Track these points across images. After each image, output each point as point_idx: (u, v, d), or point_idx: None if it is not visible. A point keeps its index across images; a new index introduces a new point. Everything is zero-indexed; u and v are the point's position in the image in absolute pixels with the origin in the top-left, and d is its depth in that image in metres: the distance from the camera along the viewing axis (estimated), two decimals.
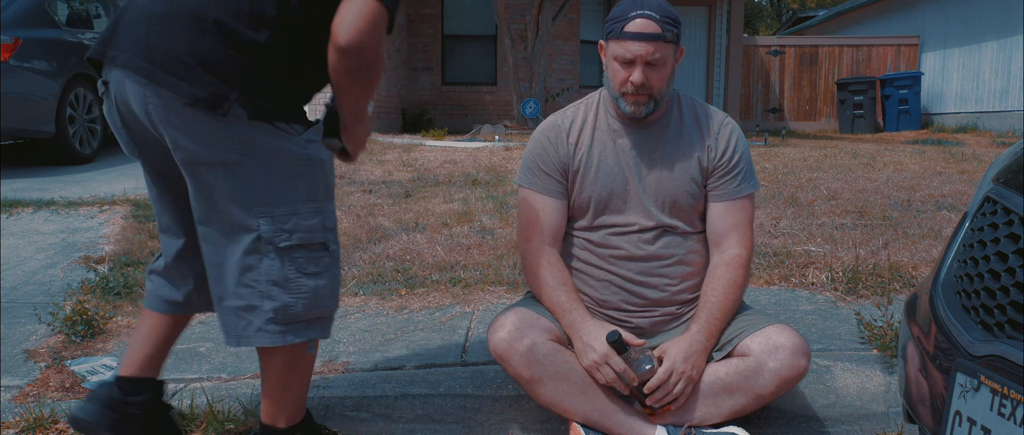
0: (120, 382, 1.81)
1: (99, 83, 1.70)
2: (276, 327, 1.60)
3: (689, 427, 1.85)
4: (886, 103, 12.47)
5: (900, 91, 12.25)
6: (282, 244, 1.58)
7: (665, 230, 1.98)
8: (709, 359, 1.90)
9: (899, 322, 1.94)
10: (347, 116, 1.68)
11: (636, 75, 1.85)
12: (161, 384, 1.89)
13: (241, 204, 1.56)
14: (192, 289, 1.85)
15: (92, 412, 1.77)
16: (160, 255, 1.88)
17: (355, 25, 1.47)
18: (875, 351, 2.37)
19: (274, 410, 1.71)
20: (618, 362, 1.80)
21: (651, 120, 2.00)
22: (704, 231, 2.02)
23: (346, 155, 1.79)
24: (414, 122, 11.76)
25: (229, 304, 1.62)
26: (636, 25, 1.83)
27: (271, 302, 1.59)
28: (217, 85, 1.51)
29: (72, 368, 2.34)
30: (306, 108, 1.71)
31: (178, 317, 1.89)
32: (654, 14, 1.83)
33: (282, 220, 1.58)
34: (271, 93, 1.57)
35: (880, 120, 12.74)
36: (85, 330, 2.59)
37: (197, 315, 2.08)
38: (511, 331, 1.84)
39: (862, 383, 2.22)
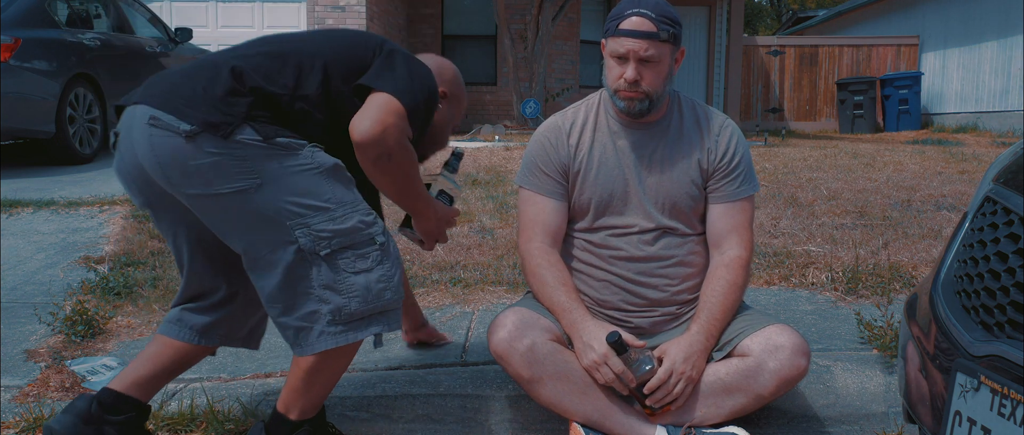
0: (103, 396, 1.78)
1: (111, 134, 1.76)
2: (336, 329, 1.63)
3: (689, 427, 1.85)
4: (886, 103, 12.47)
5: (900, 91, 12.25)
6: (323, 252, 1.61)
7: (665, 231, 1.98)
8: (709, 359, 1.90)
9: (899, 322, 1.94)
10: (403, 207, 1.85)
11: (629, 72, 1.85)
12: (146, 409, 1.85)
13: (271, 224, 1.60)
14: (210, 322, 1.87)
15: (66, 424, 1.73)
16: (186, 298, 1.91)
17: (369, 118, 1.62)
18: (875, 351, 2.37)
19: (290, 401, 1.72)
20: (617, 363, 1.80)
21: (651, 121, 2.00)
22: (704, 233, 2.02)
23: (422, 244, 2.00)
24: None
25: (288, 320, 1.65)
26: (631, 22, 1.84)
27: (327, 306, 1.62)
28: (222, 112, 1.59)
29: (72, 368, 2.34)
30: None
31: (188, 347, 1.87)
32: (650, 12, 1.84)
33: (318, 229, 1.60)
34: (275, 123, 1.65)
35: (880, 120, 12.74)
36: (85, 330, 2.59)
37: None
38: (511, 331, 1.84)
39: (862, 383, 2.22)
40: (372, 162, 1.65)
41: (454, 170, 2.08)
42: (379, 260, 1.66)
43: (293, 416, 1.72)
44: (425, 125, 1.83)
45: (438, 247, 3.64)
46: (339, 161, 1.68)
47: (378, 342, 1.71)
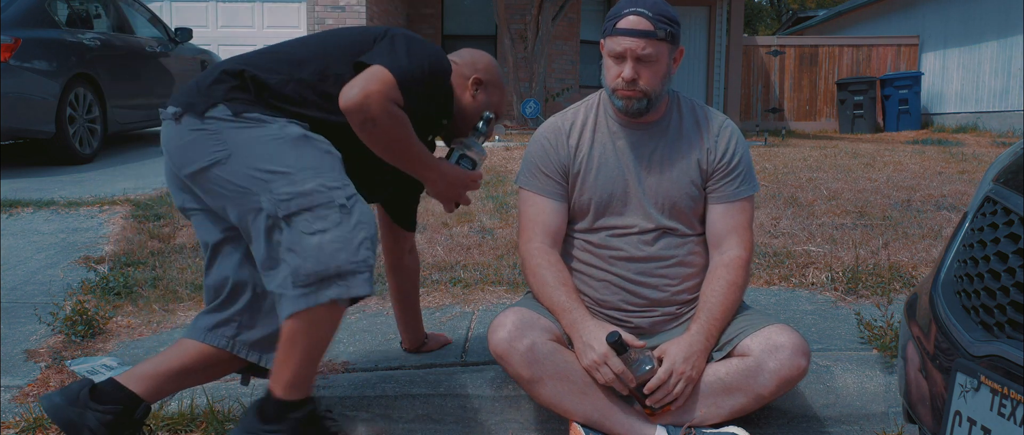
0: (102, 384, 1.79)
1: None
2: (296, 292, 1.62)
3: (689, 427, 1.85)
4: (886, 103, 12.46)
5: (900, 91, 12.25)
6: (282, 213, 1.64)
7: (665, 232, 1.98)
8: (709, 359, 1.90)
9: (899, 322, 1.94)
10: (407, 172, 1.92)
11: (627, 71, 1.86)
12: (138, 404, 1.80)
13: (244, 192, 1.68)
14: (217, 321, 1.86)
15: (53, 401, 1.76)
16: (206, 301, 1.93)
17: (354, 86, 1.71)
18: (875, 351, 2.37)
19: (275, 376, 1.70)
20: (617, 363, 1.80)
21: (650, 121, 2.00)
22: (704, 233, 2.03)
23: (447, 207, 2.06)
24: None
25: (274, 287, 1.67)
26: (628, 21, 1.85)
27: (286, 267, 1.63)
28: (202, 95, 1.75)
29: (72, 368, 2.34)
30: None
31: (196, 349, 1.85)
32: (647, 12, 1.84)
33: (278, 192, 1.65)
34: (258, 103, 1.75)
35: (880, 120, 12.73)
36: (85, 330, 2.59)
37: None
38: (511, 331, 1.84)
39: (862, 383, 2.22)
40: (358, 127, 1.74)
41: (482, 134, 2.06)
42: (337, 222, 1.65)
43: (277, 393, 1.68)
44: (430, 99, 1.90)
45: (438, 247, 3.64)
46: (307, 132, 1.75)
47: (336, 312, 1.67)
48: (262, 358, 1.88)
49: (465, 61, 2.08)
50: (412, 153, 1.87)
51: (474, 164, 2.05)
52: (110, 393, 1.79)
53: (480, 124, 2.06)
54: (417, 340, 2.43)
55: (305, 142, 1.74)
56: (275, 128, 1.72)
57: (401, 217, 2.25)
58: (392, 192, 2.16)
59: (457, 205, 2.06)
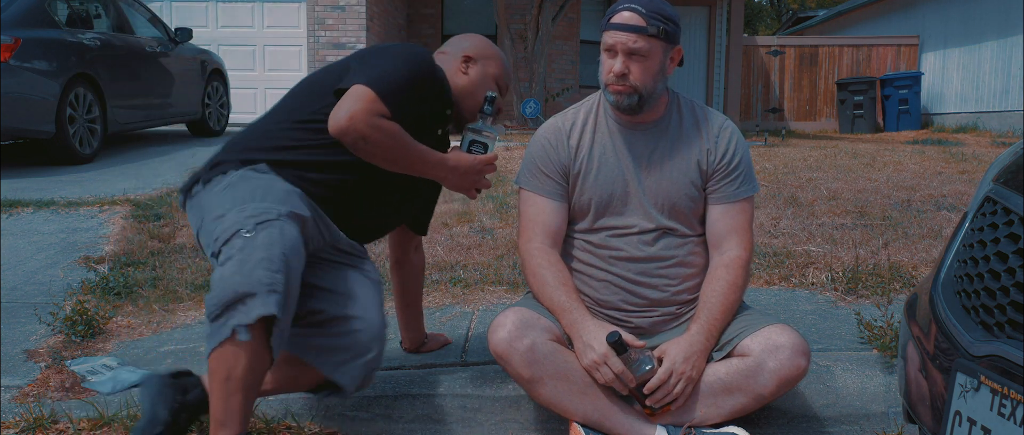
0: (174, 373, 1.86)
1: None
2: (209, 329, 1.60)
3: (689, 427, 1.85)
4: (886, 103, 12.46)
5: (900, 91, 12.25)
6: (212, 253, 1.68)
7: (665, 232, 1.98)
8: (709, 359, 1.90)
9: (899, 322, 1.94)
10: (418, 176, 1.96)
11: (617, 65, 1.87)
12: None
13: (207, 246, 1.76)
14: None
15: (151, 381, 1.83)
16: None
17: (336, 111, 1.77)
18: (875, 351, 2.37)
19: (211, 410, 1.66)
20: (617, 363, 1.80)
21: (649, 121, 2.00)
22: (704, 234, 2.02)
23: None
24: None
25: None
26: (621, 17, 1.87)
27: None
28: (191, 179, 1.91)
29: (72, 368, 2.34)
30: None
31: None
32: (640, 8, 1.86)
33: (212, 236, 1.69)
34: (239, 162, 1.85)
35: (880, 120, 12.73)
36: (85, 330, 2.59)
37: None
38: (511, 331, 1.84)
39: (862, 383, 2.22)
40: (353, 148, 1.80)
41: (489, 115, 2.06)
42: (240, 248, 1.60)
43: (210, 431, 1.65)
44: (421, 100, 1.93)
45: (438, 247, 3.64)
46: (256, 170, 1.82)
47: (240, 344, 1.58)
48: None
49: (453, 48, 2.11)
50: (414, 158, 1.88)
51: (486, 147, 2.04)
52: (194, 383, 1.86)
53: (485, 106, 2.05)
54: (417, 340, 2.43)
55: (244, 180, 1.77)
56: (230, 177, 1.80)
57: (416, 224, 2.29)
58: (419, 203, 2.17)
59: (479, 191, 2.07)
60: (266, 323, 1.58)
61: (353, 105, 1.77)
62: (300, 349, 1.85)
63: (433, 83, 1.97)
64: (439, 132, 2.09)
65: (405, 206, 2.10)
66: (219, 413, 1.62)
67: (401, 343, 2.46)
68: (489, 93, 2.05)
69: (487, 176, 2.05)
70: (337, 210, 1.92)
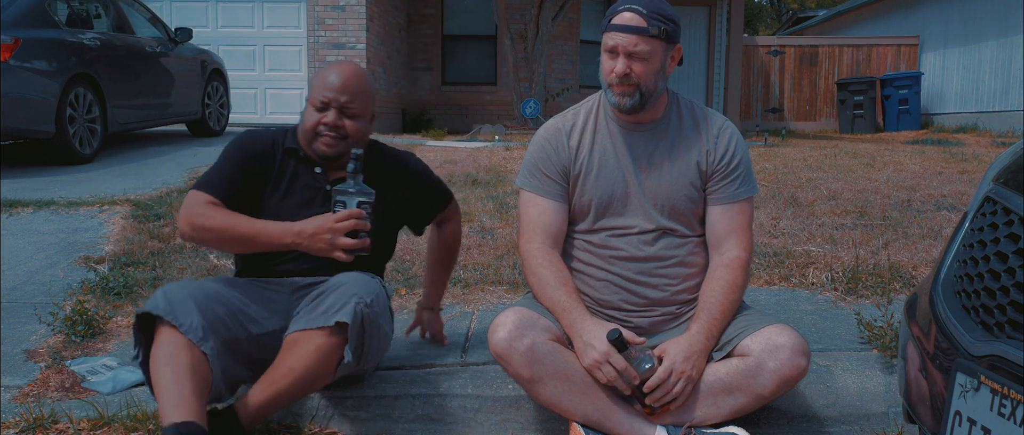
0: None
1: None
2: None
3: (689, 427, 1.85)
4: (886, 103, 12.46)
5: (900, 91, 12.25)
6: None
7: (665, 232, 1.98)
8: (709, 359, 1.90)
9: (899, 322, 1.94)
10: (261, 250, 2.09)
11: (619, 66, 1.87)
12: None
13: None
14: None
15: None
16: None
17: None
18: (875, 351, 2.37)
19: None
20: (619, 360, 1.80)
21: (649, 121, 2.00)
22: (704, 234, 2.03)
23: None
24: (414, 122, 11.76)
25: None
26: (622, 18, 1.88)
27: None
28: None
29: (72, 368, 2.34)
30: None
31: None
32: (642, 8, 1.87)
33: None
34: None
35: (880, 120, 12.73)
36: (85, 330, 2.59)
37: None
38: (511, 331, 1.84)
39: (862, 383, 2.22)
40: (198, 245, 2.04)
41: (352, 173, 1.99)
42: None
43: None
44: (252, 172, 2.08)
45: None
46: (223, 277, 2.08)
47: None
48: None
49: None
50: (251, 234, 1.99)
51: (345, 205, 1.98)
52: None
53: (349, 165, 2.00)
54: (432, 301, 2.51)
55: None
56: None
57: (413, 229, 2.40)
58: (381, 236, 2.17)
59: (351, 251, 1.97)
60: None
61: (181, 212, 2.01)
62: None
63: (246, 144, 2.10)
64: (328, 187, 2.09)
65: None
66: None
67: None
68: (354, 150, 2.00)
69: (353, 237, 1.96)
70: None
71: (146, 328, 1.86)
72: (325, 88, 2.06)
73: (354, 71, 2.11)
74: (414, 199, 2.28)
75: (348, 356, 1.85)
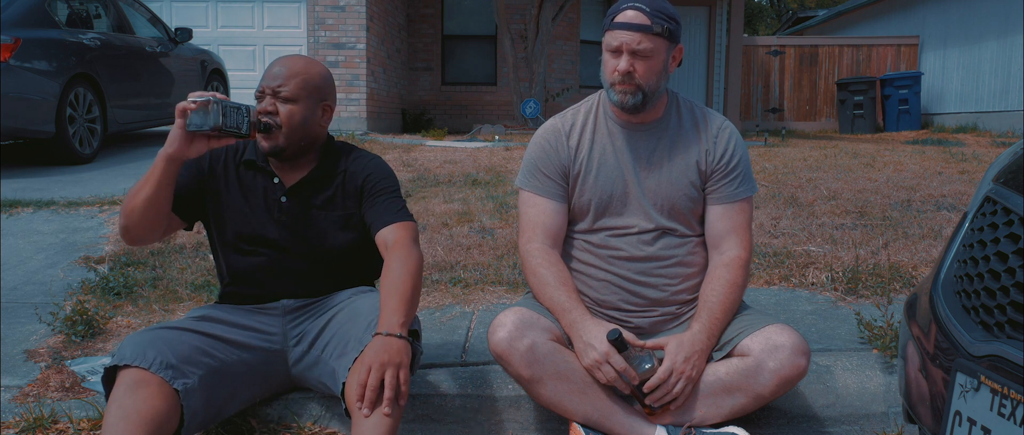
0: None
1: None
2: None
3: (689, 427, 1.85)
4: (886, 103, 12.46)
5: (900, 91, 12.24)
6: None
7: (664, 232, 1.99)
8: (709, 359, 1.90)
9: (899, 322, 1.94)
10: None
11: (622, 64, 1.87)
12: None
13: None
14: None
15: None
16: None
17: None
18: (875, 351, 2.37)
19: None
20: (619, 360, 1.80)
21: (649, 121, 2.00)
22: (703, 234, 2.03)
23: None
24: (414, 122, 11.77)
25: None
26: (625, 16, 1.87)
27: None
28: None
29: (72, 368, 2.34)
30: None
31: None
32: (644, 7, 1.86)
33: None
34: None
35: (880, 120, 12.73)
36: (85, 330, 2.59)
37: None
38: (511, 331, 1.84)
39: (862, 383, 2.22)
40: (195, 246, 2.01)
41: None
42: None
43: None
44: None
45: (438, 247, 3.64)
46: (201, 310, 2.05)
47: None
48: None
49: None
50: (144, 176, 1.87)
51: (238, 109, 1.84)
52: None
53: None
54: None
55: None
56: None
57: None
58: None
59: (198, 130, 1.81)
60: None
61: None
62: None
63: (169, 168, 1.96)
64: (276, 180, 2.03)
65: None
66: None
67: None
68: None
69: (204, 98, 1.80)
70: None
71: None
72: (263, 79, 1.97)
73: (294, 57, 1.99)
74: (359, 199, 2.05)
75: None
